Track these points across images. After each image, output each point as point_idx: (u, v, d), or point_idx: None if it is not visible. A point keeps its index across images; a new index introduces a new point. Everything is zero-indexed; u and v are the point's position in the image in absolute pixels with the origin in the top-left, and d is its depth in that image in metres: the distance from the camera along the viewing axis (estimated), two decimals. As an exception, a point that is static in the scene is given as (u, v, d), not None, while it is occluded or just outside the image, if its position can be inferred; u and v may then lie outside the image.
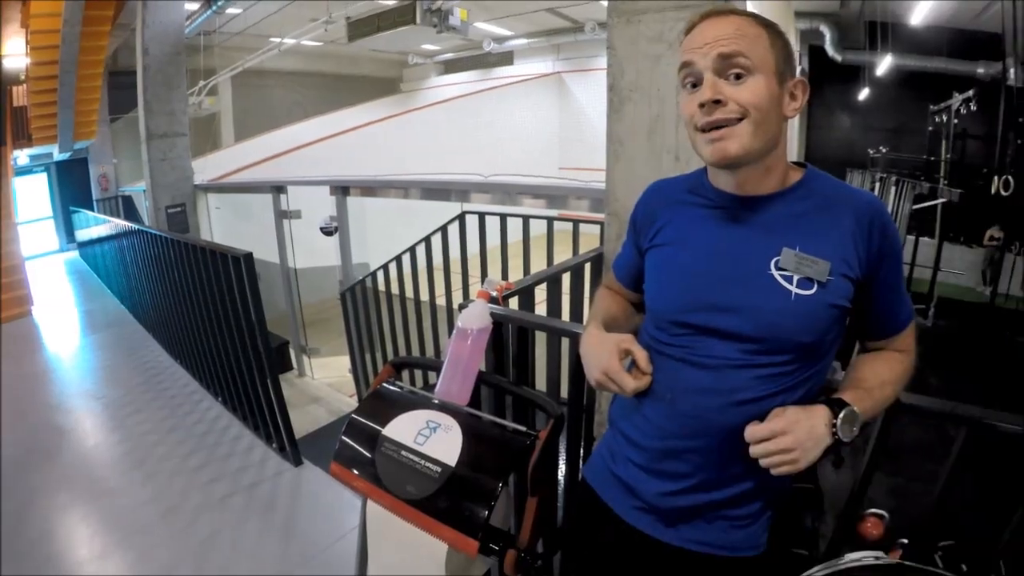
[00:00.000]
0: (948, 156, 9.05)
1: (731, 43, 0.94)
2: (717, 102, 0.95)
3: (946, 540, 1.76)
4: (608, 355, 1.10)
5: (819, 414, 0.97)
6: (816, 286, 0.98)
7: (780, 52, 0.98)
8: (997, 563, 1.32)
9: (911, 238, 8.03)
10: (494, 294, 1.46)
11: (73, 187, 12.74)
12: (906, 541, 1.49)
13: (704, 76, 0.96)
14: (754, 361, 1.01)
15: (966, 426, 1.24)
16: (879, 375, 1.07)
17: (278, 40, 11.37)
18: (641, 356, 1.10)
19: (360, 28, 8.75)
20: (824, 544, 1.45)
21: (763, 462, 0.95)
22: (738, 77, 0.95)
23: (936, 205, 8.07)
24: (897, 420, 1.30)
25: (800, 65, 8.90)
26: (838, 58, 9.55)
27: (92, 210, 11.00)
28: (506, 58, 16.24)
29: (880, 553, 1.09)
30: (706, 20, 0.98)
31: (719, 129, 0.96)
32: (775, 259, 1.00)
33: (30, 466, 3.33)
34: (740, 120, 0.95)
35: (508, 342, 1.79)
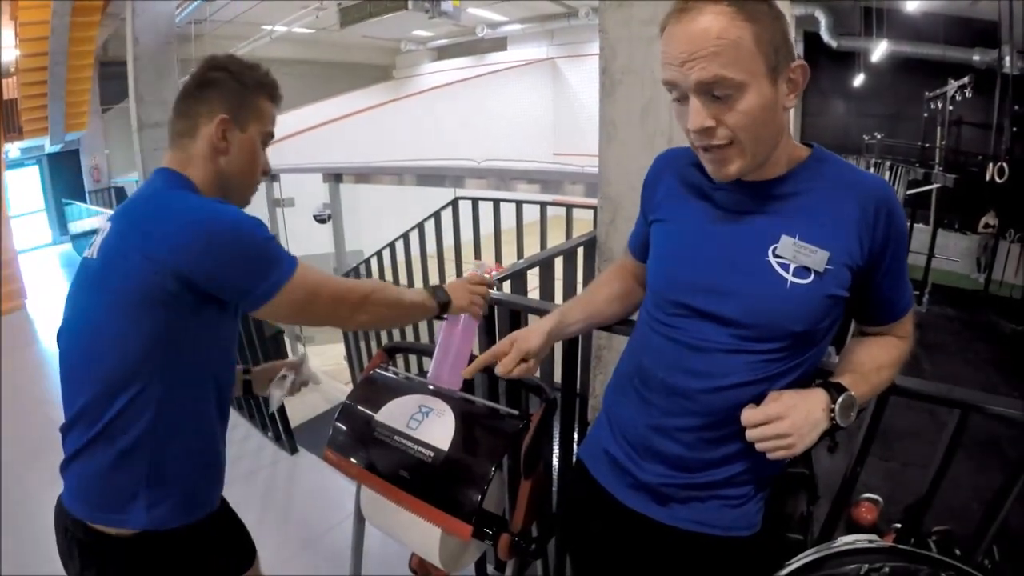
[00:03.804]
0: (943, 143, 9.05)
1: (710, 65, 0.86)
2: (707, 128, 0.91)
3: (941, 526, 1.76)
4: (509, 339, 1.25)
5: (816, 399, 0.96)
6: (813, 275, 0.96)
7: (768, 46, 0.89)
8: (991, 548, 1.32)
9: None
10: (486, 276, 1.45)
11: (65, 179, 12.65)
12: (899, 526, 1.50)
13: (689, 99, 0.91)
14: (746, 347, 0.99)
15: (959, 409, 1.24)
16: (876, 359, 1.06)
17: (269, 28, 11.31)
18: (506, 360, 1.23)
19: (351, 14, 8.73)
20: (817, 528, 1.45)
21: (759, 446, 0.94)
22: (726, 93, 0.88)
23: (931, 192, 8.08)
24: (892, 405, 1.29)
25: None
26: (833, 44, 9.54)
27: (85, 202, 10.94)
28: (499, 44, 16.17)
29: (873, 536, 1.09)
30: (678, 23, 0.89)
31: (713, 151, 0.93)
32: (773, 246, 0.98)
33: (26, 463, 3.31)
34: (731, 143, 0.92)
35: (500, 326, 1.79)
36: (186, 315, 1.06)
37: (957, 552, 1.35)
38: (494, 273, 1.56)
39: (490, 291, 1.46)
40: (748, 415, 0.95)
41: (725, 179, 0.97)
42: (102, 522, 1.11)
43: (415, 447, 1.32)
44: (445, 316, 1.36)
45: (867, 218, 0.95)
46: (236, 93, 1.20)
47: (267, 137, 1.28)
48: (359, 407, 1.47)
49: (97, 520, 1.11)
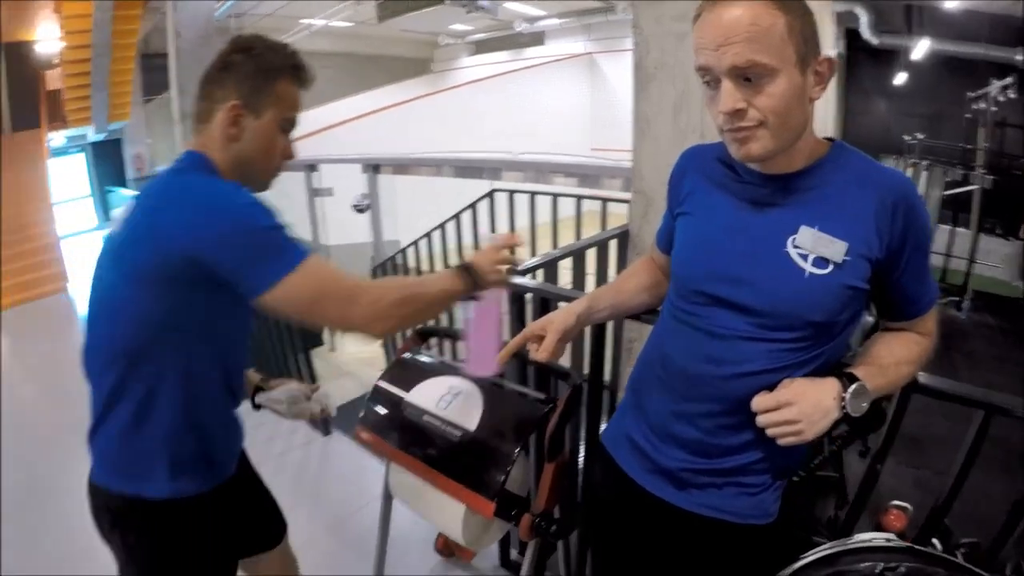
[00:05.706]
0: (986, 144, 8.82)
1: (744, 50, 0.89)
2: (738, 110, 0.93)
3: (969, 538, 1.74)
4: (540, 324, 1.28)
5: (828, 386, 0.98)
6: (832, 266, 0.97)
7: (799, 36, 0.91)
8: (1018, 561, 1.31)
9: (947, 228, 7.88)
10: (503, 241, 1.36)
11: (109, 167, 12.96)
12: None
13: (721, 82, 0.93)
14: (764, 336, 1.01)
15: (982, 410, 1.23)
16: (895, 354, 1.07)
17: (308, 22, 11.41)
18: (546, 341, 1.25)
19: (390, 8, 8.76)
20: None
21: (768, 432, 0.97)
22: (758, 78, 0.91)
23: (971, 194, 7.88)
24: (926, 412, 1.28)
25: (836, 48, 8.67)
26: (874, 41, 9.32)
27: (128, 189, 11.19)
28: (537, 38, 16.10)
29: (891, 535, 1.08)
30: (713, 9, 0.92)
31: (741, 131, 0.95)
32: (793, 237, 1.00)
33: (65, 443, 3.41)
34: (760, 124, 0.94)
35: (532, 313, 1.82)
36: (197, 295, 1.07)
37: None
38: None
39: (516, 260, 1.37)
40: (758, 400, 0.98)
41: (747, 159, 0.99)
42: (132, 489, 1.15)
43: (443, 426, 1.36)
44: (476, 296, 1.30)
45: (885, 211, 0.96)
46: (252, 77, 1.18)
47: (287, 123, 1.25)
48: (390, 387, 1.52)
49: (126, 488, 1.15)
